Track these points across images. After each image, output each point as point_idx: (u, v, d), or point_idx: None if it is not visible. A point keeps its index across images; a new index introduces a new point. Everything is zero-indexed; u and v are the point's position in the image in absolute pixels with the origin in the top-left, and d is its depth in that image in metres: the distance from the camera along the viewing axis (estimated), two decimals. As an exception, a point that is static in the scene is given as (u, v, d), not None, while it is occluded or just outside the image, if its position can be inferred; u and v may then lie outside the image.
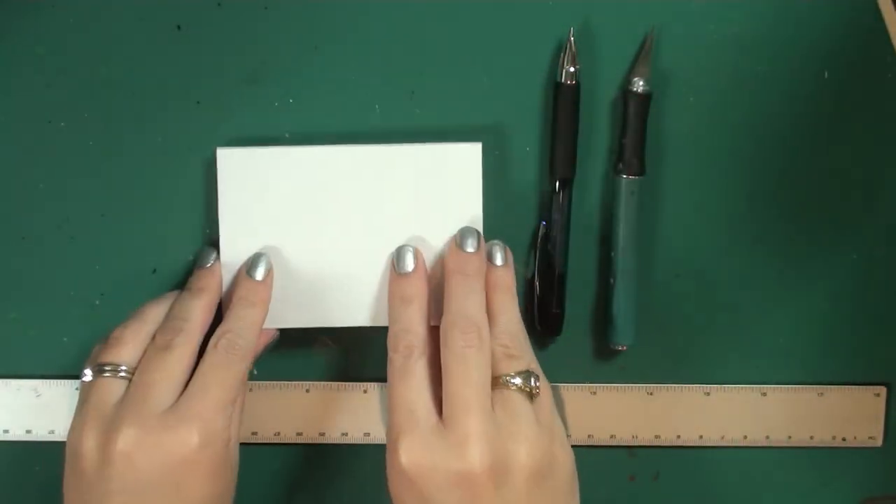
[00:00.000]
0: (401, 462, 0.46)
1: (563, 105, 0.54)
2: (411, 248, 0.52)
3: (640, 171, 0.55)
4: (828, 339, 0.59)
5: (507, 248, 0.52)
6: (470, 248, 0.51)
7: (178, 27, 0.54)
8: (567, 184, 0.55)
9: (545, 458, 0.47)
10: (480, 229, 0.54)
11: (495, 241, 0.52)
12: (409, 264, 0.52)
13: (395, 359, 0.49)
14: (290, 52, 0.55)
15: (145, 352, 0.50)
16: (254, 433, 0.58)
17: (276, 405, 0.58)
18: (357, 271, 0.55)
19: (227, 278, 0.54)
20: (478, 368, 0.47)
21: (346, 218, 0.55)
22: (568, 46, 0.54)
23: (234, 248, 0.55)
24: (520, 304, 0.57)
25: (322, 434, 0.58)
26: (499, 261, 0.52)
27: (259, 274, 0.53)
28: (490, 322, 0.49)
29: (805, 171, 0.57)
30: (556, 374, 0.57)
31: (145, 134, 0.55)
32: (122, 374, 0.50)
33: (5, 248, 0.56)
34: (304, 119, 0.55)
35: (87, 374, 0.50)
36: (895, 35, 0.56)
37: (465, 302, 0.49)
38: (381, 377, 0.58)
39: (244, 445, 0.58)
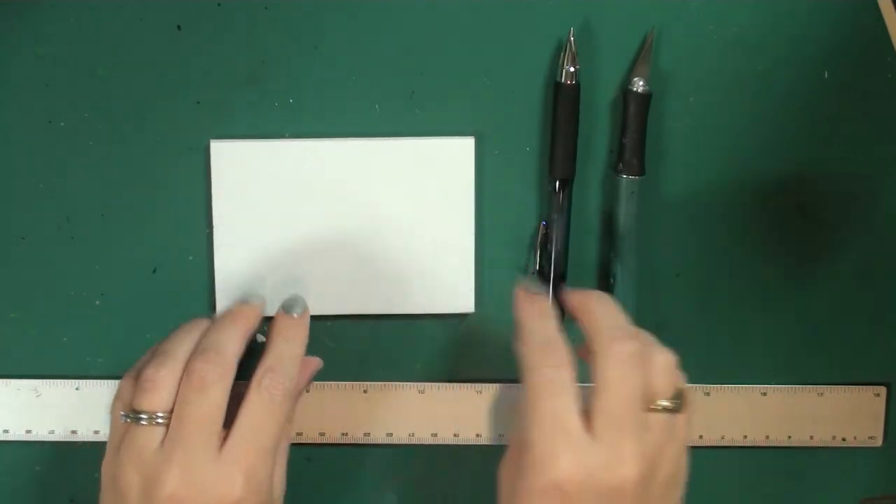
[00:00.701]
0: (556, 477, 0.45)
1: (563, 105, 0.54)
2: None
3: (640, 171, 0.55)
4: (828, 339, 0.59)
5: None
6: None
7: (178, 27, 0.54)
8: (567, 184, 0.55)
9: (680, 471, 0.48)
10: (472, 223, 0.55)
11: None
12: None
13: (546, 371, 0.46)
14: (290, 52, 0.55)
15: (180, 388, 0.49)
16: (254, 433, 0.58)
17: (276, 405, 0.58)
18: (350, 263, 0.55)
19: (222, 271, 0.55)
20: (636, 386, 0.46)
21: (339, 211, 0.55)
22: (568, 46, 0.54)
23: (227, 240, 0.55)
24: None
25: (322, 434, 0.58)
26: None
27: (297, 312, 0.53)
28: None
29: (805, 171, 0.57)
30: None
31: (145, 134, 0.55)
32: (160, 420, 0.48)
33: (5, 248, 0.56)
34: (304, 119, 0.55)
35: (123, 417, 0.49)
36: (895, 35, 0.56)
37: (620, 315, 0.49)
38: (381, 377, 0.58)
39: (244, 445, 0.58)
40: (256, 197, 0.55)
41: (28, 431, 0.58)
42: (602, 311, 0.48)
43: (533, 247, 0.57)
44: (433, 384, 0.58)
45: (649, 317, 0.57)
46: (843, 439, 0.59)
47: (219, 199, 0.55)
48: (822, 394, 0.59)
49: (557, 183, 0.55)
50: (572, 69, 0.54)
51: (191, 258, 0.56)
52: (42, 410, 0.57)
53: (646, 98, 0.54)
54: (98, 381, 0.57)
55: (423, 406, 0.58)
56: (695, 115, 0.56)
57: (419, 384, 0.58)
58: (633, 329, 0.48)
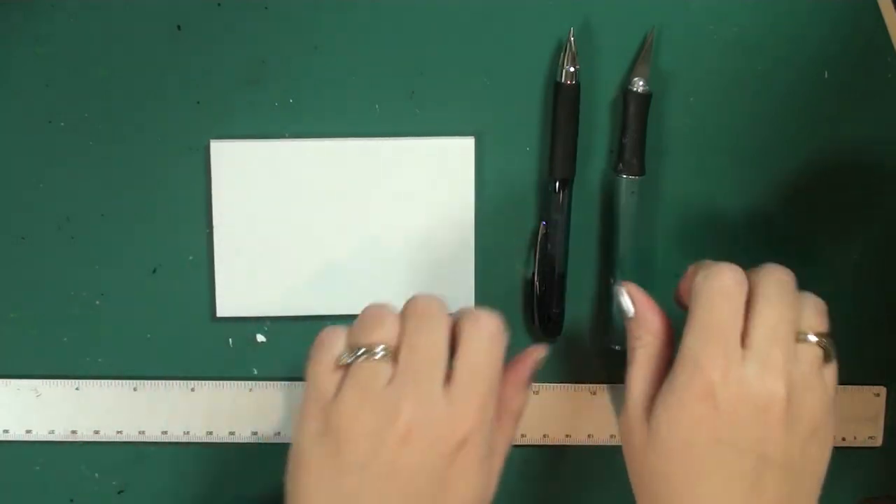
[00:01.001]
0: (709, 382, 0.45)
1: (563, 105, 0.54)
2: None
3: (640, 172, 0.55)
4: (828, 339, 0.59)
5: None
6: None
7: (178, 27, 0.54)
8: (567, 184, 0.55)
9: (826, 428, 0.48)
10: (472, 222, 0.55)
11: None
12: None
13: (716, 283, 0.47)
14: (290, 52, 0.55)
15: (406, 321, 0.47)
16: (254, 433, 0.58)
17: (277, 405, 0.58)
18: (350, 262, 0.55)
19: (222, 271, 0.55)
20: (791, 308, 0.47)
21: (338, 211, 0.55)
22: (568, 46, 0.54)
23: (227, 240, 0.55)
24: (519, 304, 0.57)
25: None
26: None
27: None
28: None
29: (805, 171, 0.57)
30: (556, 374, 0.57)
31: (145, 134, 0.55)
32: (384, 354, 0.46)
33: (5, 248, 0.56)
34: (304, 119, 0.55)
35: (346, 357, 0.46)
36: (895, 35, 0.56)
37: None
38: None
39: (244, 446, 0.58)
40: (256, 197, 0.55)
41: (28, 431, 0.58)
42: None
43: (533, 247, 0.57)
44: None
45: (649, 317, 0.57)
46: (843, 439, 0.59)
47: (219, 199, 0.55)
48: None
49: (557, 183, 0.55)
50: (572, 69, 0.54)
51: (191, 258, 0.56)
52: (42, 410, 0.57)
53: (646, 98, 0.54)
54: (98, 381, 0.57)
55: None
56: (695, 115, 0.56)
57: (419, 384, 0.58)
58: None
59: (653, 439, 0.47)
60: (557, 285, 0.56)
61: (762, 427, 0.46)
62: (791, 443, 0.46)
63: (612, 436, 0.59)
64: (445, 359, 0.46)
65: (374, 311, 0.47)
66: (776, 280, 0.47)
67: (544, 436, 0.59)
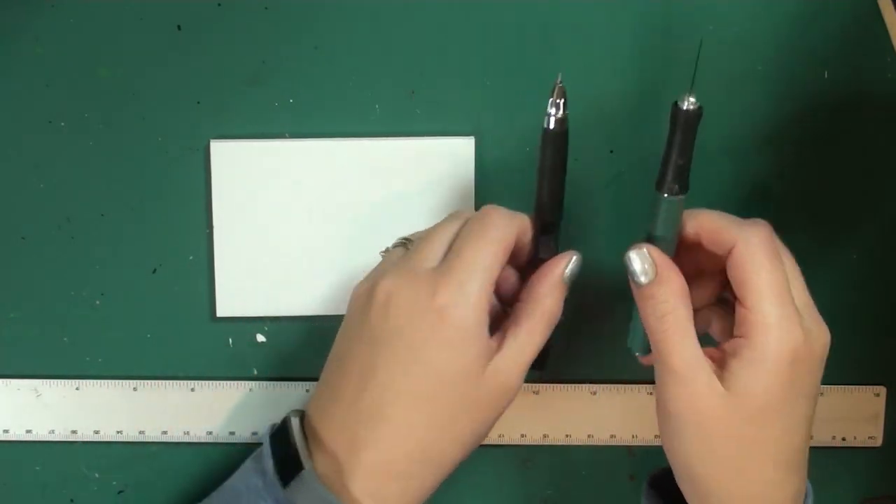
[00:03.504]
0: (793, 345, 0.47)
1: (550, 151, 0.49)
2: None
3: (685, 189, 0.50)
4: (828, 339, 0.59)
5: None
6: None
7: (178, 27, 0.55)
8: (554, 227, 0.51)
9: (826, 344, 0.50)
10: None
11: None
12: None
13: (774, 246, 0.49)
14: (290, 52, 0.55)
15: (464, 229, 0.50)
16: (254, 433, 0.58)
17: (276, 405, 0.58)
18: (350, 262, 0.55)
19: (222, 271, 0.55)
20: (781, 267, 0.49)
21: (338, 211, 0.55)
22: (555, 91, 0.48)
23: (227, 240, 0.55)
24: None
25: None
26: None
27: None
28: None
29: (805, 171, 0.57)
30: (556, 374, 0.57)
31: (145, 134, 0.55)
32: (404, 243, 0.51)
33: (5, 248, 0.56)
34: (304, 119, 0.55)
35: (401, 243, 0.51)
36: (895, 35, 0.56)
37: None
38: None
39: (244, 446, 0.58)
40: (256, 197, 0.55)
41: (28, 431, 0.58)
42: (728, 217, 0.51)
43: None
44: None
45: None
46: (843, 439, 0.59)
47: (219, 199, 0.55)
48: (822, 394, 0.59)
49: (542, 227, 0.51)
50: (560, 114, 0.49)
51: (191, 258, 0.56)
52: (42, 410, 0.57)
53: (697, 116, 0.48)
54: (98, 381, 0.57)
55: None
56: (695, 115, 0.56)
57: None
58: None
59: (734, 403, 0.47)
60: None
61: (820, 373, 0.48)
62: (819, 377, 0.49)
63: (612, 436, 0.59)
64: (445, 243, 0.49)
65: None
66: (772, 234, 0.49)
67: (544, 436, 0.59)
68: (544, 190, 0.50)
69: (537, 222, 0.50)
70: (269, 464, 0.48)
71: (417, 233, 0.51)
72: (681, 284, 0.48)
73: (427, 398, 0.47)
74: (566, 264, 0.50)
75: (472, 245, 0.48)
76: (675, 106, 0.48)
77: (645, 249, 0.49)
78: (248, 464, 0.50)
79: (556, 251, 0.51)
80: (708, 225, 0.50)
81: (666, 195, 0.49)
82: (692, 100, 0.47)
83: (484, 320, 0.47)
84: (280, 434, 0.49)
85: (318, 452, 0.48)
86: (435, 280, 0.47)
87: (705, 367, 0.47)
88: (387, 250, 0.52)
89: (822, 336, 0.48)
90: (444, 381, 0.47)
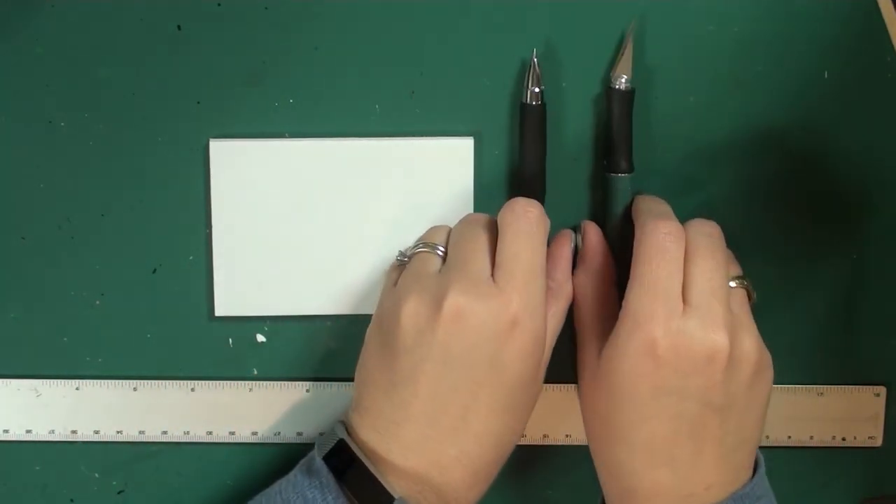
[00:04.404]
0: (650, 337, 0.47)
1: (530, 125, 0.54)
2: None
3: (629, 169, 0.55)
4: (827, 339, 0.59)
5: None
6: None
7: (178, 27, 0.54)
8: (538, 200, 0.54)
9: (764, 355, 0.50)
10: None
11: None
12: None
13: (659, 238, 0.49)
14: (290, 52, 0.55)
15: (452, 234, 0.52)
16: (254, 433, 0.58)
17: (277, 405, 0.58)
18: (349, 262, 0.55)
19: (222, 271, 0.55)
20: (721, 265, 0.49)
21: (337, 210, 0.55)
22: (532, 67, 0.54)
23: (227, 240, 0.55)
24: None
25: (322, 434, 0.58)
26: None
27: None
28: None
29: (804, 171, 0.57)
30: (555, 374, 0.57)
31: (145, 134, 0.55)
32: (440, 252, 0.51)
33: (5, 248, 0.56)
34: (304, 119, 0.55)
35: (403, 257, 0.53)
36: (895, 35, 0.56)
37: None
38: (381, 377, 0.58)
39: (244, 446, 0.58)
40: (256, 197, 0.55)
41: (28, 431, 0.58)
42: (653, 205, 0.53)
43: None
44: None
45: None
46: (843, 439, 0.59)
47: (219, 199, 0.55)
48: (822, 394, 0.59)
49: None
50: (537, 90, 0.54)
51: (191, 258, 0.56)
52: (42, 410, 0.57)
53: (628, 95, 0.54)
54: (98, 381, 0.57)
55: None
56: (694, 115, 0.56)
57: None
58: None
59: (599, 382, 0.50)
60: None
61: (706, 377, 0.47)
62: (735, 385, 0.48)
63: (611, 436, 0.59)
64: (488, 249, 0.49)
65: (434, 226, 0.54)
66: (707, 234, 0.50)
67: (544, 436, 0.59)
68: (526, 164, 0.52)
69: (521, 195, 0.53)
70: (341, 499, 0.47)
71: (424, 236, 0.52)
72: (599, 262, 0.52)
73: (506, 407, 0.49)
74: (571, 245, 0.53)
75: (528, 248, 0.49)
76: (609, 87, 0.53)
77: (583, 226, 0.54)
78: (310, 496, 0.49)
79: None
80: (633, 209, 0.53)
81: (610, 174, 0.54)
82: (623, 79, 0.53)
83: (543, 310, 0.49)
84: (341, 464, 0.48)
85: (396, 478, 0.48)
86: (502, 290, 0.48)
87: (597, 343, 0.50)
88: (403, 255, 0.52)
89: (708, 340, 0.47)
90: (521, 387, 0.49)
